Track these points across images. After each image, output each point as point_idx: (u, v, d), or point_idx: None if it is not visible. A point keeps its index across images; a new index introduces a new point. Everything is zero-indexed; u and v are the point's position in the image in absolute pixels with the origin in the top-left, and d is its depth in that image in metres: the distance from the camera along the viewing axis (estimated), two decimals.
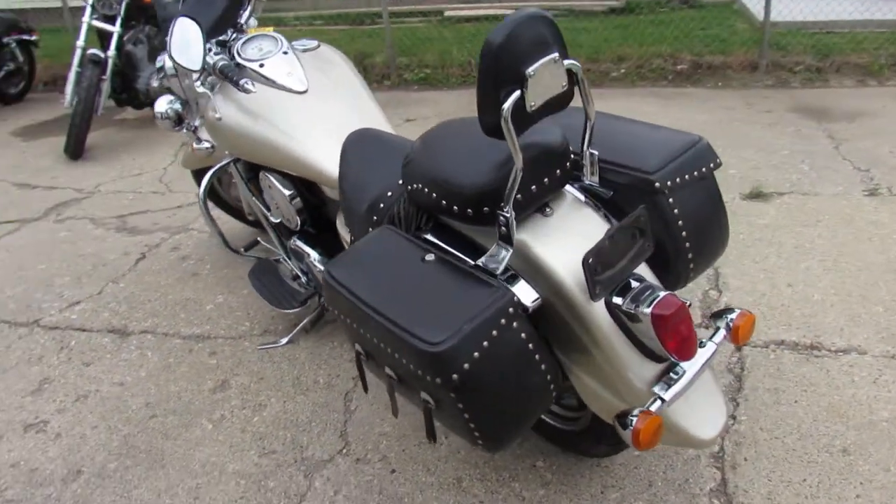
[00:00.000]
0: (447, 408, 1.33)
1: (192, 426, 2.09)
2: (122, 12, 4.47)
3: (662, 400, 1.37)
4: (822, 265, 2.61)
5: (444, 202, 1.47)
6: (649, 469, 1.81)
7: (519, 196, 1.38)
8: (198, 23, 1.96)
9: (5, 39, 5.91)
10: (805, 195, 3.16)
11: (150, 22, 4.79)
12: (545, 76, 1.27)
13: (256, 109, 2.16)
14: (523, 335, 1.31)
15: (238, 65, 2.09)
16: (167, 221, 3.47)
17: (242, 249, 2.72)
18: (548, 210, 1.47)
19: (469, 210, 1.43)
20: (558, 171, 1.44)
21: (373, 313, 1.34)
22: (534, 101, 1.28)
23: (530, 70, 1.24)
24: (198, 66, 1.99)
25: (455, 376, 1.22)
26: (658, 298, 1.33)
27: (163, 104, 2.37)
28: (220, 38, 2.20)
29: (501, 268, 1.41)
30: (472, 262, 1.45)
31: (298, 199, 2.25)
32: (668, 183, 1.49)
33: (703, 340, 1.47)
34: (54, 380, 2.35)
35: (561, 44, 1.30)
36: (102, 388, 2.28)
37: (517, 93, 1.25)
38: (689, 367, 1.42)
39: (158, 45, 4.87)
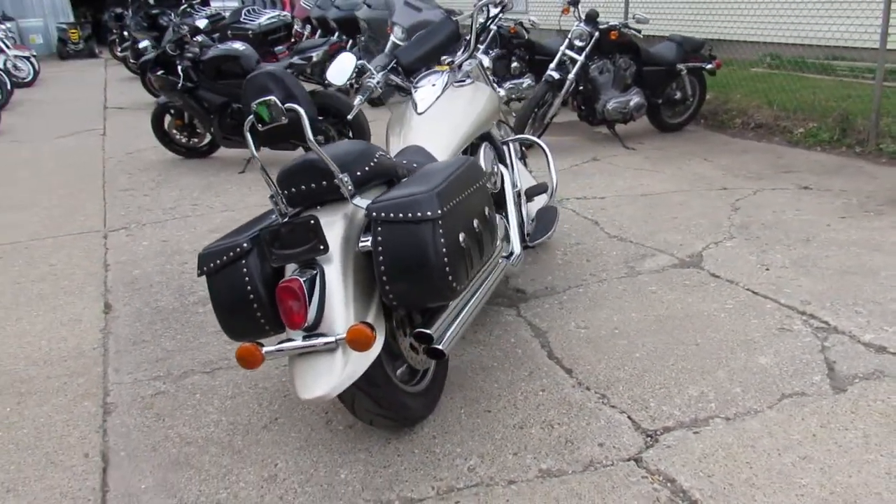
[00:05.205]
0: None
1: None
2: (589, 45, 5.53)
3: (275, 346, 1.83)
4: None
5: None
6: None
7: (294, 189, 1.98)
8: (359, 57, 2.97)
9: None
10: None
11: (624, 53, 5.71)
12: (267, 110, 1.90)
13: (400, 114, 2.97)
14: (244, 270, 1.86)
15: (397, 85, 3.04)
16: None
17: None
18: (318, 207, 2.01)
19: None
20: (312, 184, 1.93)
21: None
22: (261, 124, 1.91)
23: (252, 104, 1.92)
24: (339, 83, 2.90)
25: (198, 272, 1.94)
26: (287, 278, 1.85)
27: None
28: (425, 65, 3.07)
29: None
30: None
31: None
32: (374, 214, 1.83)
33: (335, 336, 1.81)
34: None
35: (285, 91, 1.98)
36: None
37: (251, 117, 1.93)
38: (306, 340, 1.81)
39: (627, 74, 5.77)
